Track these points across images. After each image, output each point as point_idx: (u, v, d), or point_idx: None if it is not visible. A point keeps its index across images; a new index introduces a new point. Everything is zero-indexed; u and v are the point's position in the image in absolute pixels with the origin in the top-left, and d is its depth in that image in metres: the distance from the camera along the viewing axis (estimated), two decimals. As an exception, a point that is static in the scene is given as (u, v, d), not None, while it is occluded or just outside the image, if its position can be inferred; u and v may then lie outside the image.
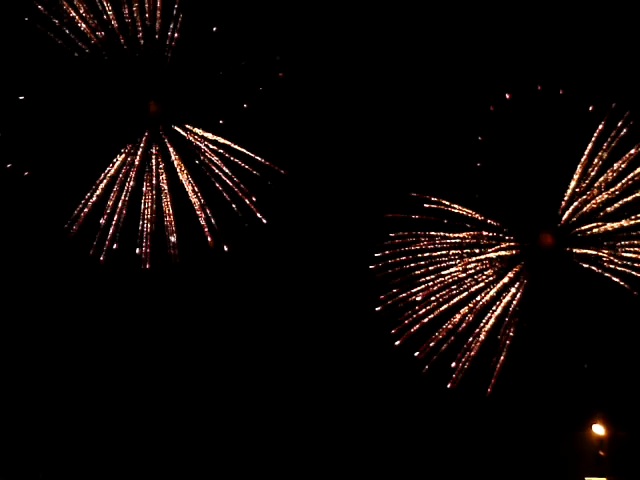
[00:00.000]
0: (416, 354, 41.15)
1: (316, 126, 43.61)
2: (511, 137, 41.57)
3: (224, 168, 42.60)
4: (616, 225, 40.09)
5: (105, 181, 41.97)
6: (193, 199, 42.52)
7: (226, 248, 42.37)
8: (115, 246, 41.62)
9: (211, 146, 42.77)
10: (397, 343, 41.40)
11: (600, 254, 40.16)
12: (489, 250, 41.94)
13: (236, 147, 42.62)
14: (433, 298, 41.97)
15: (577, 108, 40.98)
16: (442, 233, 42.34)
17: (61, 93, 40.44)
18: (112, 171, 42.14)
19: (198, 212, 42.43)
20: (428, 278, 42.12)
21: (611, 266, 39.81)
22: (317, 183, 43.98)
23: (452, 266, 42.05)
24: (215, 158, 42.70)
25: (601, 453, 36.24)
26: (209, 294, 42.95)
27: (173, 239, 42.27)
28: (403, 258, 42.34)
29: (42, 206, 40.85)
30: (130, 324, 42.25)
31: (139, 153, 42.48)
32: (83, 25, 40.22)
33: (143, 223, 42.17)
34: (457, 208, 42.41)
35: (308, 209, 43.98)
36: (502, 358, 40.24)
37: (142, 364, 42.07)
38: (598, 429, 36.44)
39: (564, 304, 39.86)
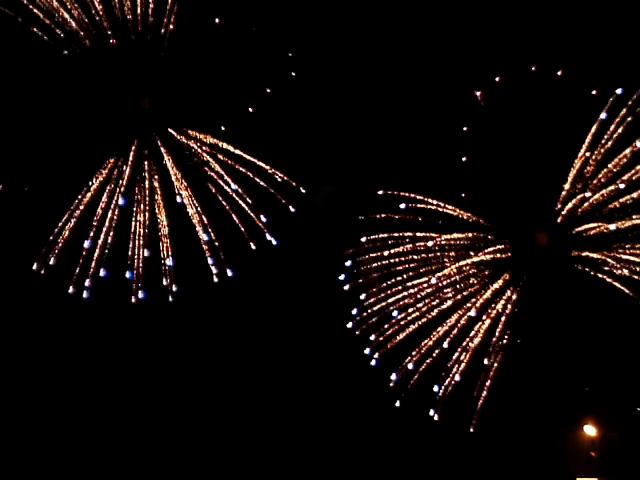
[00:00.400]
0: (393, 377, 37.83)
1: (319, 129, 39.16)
2: (501, 126, 38.09)
3: (229, 180, 37.27)
4: (613, 226, 37.41)
5: (89, 195, 36.00)
6: (193, 216, 37.00)
7: (230, 273, 36.97)
8: (102, 272, 35.56)
9: (213, 153, 37.52)
10: (372, 363, 38.15)
11: (598, 256, 37.69)
12: (480, 253, 38.56)
13: (244, 155, 37.33)
14: (413, 309, 38.42)
15: (578, 92, 37.45)
16: (422, 234, 38.66)
17: (42, 95, 34.81)
18: (97, 183, 36.21)
19: (199, 231, 36.99)
20: (406, 286, 38.54)
21: (606, 268, 37.44)
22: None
23: (437, 271, 38.53)
24: (218, 167, 37.39)
25: (592, 454, 36.03)
26: (210, 327, 37.57)
27: (170, 263, 36.57)
28: (378, 264, 38.67)
29: (16, 225, 34.61)
30: (120, 365, 36.35)
31: (129, 161, 36.58)
32: (73, 23, 35.10)
33: (134, 244, 36.33)
34: (440, 207, 38.66)
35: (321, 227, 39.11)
36: (499, 357, 37.84)
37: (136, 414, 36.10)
38: (590, 430, 36.22)
39: (558, 306, 37.72)
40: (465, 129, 38.19)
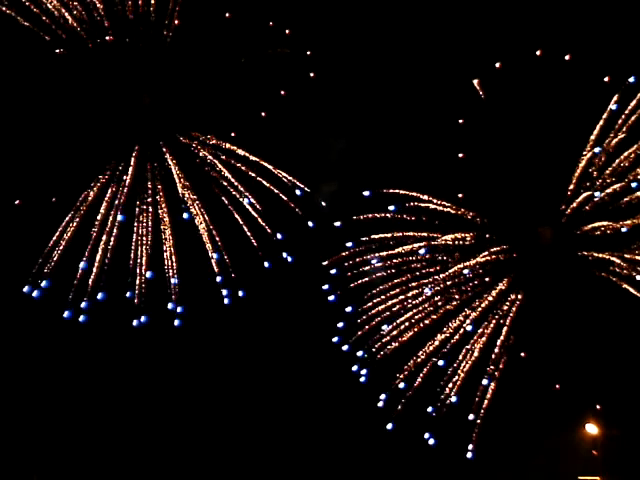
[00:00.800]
0: (382, 397, 35.33)
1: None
2: (502, 118, 35.14)
3: (243, 190, 33.98)
4: (625, 229, 34.96)
5: (85, 207, 32.74)
6: (201, 230, 33.74)
7: (241, 293, 34.03)
8: (99, 296, 32.42)
9: (218, 155, 34.19)
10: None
11: (605, 257, 35.28)
12: (480, 255, 35.68)
13: (258, 160, 34.04)
14: (404, 320, 35.47)
15: (587, 79, 34.53)
16: (419, 234, 35.68)
17: (37, 97, 31.65)
18: (95, 192, 32.90)
19: (207, 247, 33.76)
20: (396, 293, 35.56)
21: (613, 269, 35.10)
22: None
23: (435, 274, 35.66)
24: (230, 176, 34.01)
25: (594, 452, 35.15)
26: (219, 353, 34.53)
27: (175, 282, 33.34)
28: (362, 270, 35.64)
29: (4, 244, 31.44)
30: (121, 395, 33.46)
31: (130, 169, 33.23)
32: (74, 22, 31.85)
33: (135, 262, 33.08)
34: (441, 205, 35.67)
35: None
36: (502, 358, 35.64)
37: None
38: (591, 428, 35.24)
39: (563, 307, 35.47)
40: (461, 122, 35.28)
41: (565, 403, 35.18)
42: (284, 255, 34.00)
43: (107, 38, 31.82)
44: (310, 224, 34.21)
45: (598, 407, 35.13)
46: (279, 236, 33.65)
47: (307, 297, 35.34)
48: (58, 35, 31.29)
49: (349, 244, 35.51)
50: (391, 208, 35.36)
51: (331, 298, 35.49)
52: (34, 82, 31.14)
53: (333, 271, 35.59)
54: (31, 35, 30.88)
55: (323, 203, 34.24)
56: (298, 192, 33.66)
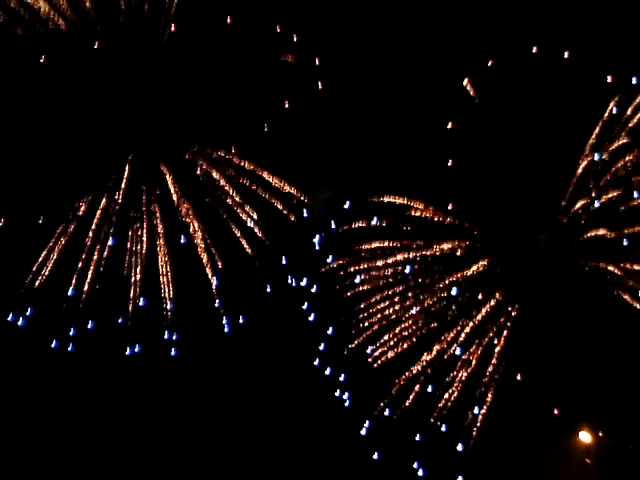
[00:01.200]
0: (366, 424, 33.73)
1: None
2: (494, 121, 33.22)
3: (241, 201, 31.78)
4: (626, 242, 33.56)
5: (73, 226, 30.50)
6: (200, 251, 31.56)
7: (242, 320, 32.08)
8: (90, 325, 30.45)
9: (221, 167, 31.91)
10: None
11: (605, 267, 33.96)
12: (472, 267, 34.07)
13: (257, 170, 31.88)
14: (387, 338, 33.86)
15: (587, 78, 32.76)
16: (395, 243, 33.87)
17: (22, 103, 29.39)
18: (83, 209, 30.62)
19: (207, 269, 31.59)
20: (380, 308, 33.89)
21: (613, 279, 33.81)
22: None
23: (420, 288, 33.93)
24: (227, 186, 31.82)
25: (588, 461, 35.23)
26: (218, 384, 32.93)
27: (170, 307, 31.44)
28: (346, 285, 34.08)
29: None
30: (113, 428, 31.81)
31: (122, 186, 30.91)
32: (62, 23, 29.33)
33: (129, 286, 30.93)
34: (427, 211, 33.84)
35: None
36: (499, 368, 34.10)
37: None
38: (585, 436, 35.23)
39: (560, 316, 34.19)
40: (450, 126, 33.20)
41: (561, 419, 34.51)
42: (289, 279, 32.14)
43: (96, 45, 29.34)
44: (317, 247, 32.33)
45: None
46: (284, 261, 31.77)
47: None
48: (48, 40, 28.81)
49: (329, 259, 33.40)
50: (375, 218, 33.36)
51: (311, 318, 33.49)
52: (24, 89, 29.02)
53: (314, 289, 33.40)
54: (19, 40, 28.40)
55: (333, 225, 32.33)
56: (305, 214, 31.65)
